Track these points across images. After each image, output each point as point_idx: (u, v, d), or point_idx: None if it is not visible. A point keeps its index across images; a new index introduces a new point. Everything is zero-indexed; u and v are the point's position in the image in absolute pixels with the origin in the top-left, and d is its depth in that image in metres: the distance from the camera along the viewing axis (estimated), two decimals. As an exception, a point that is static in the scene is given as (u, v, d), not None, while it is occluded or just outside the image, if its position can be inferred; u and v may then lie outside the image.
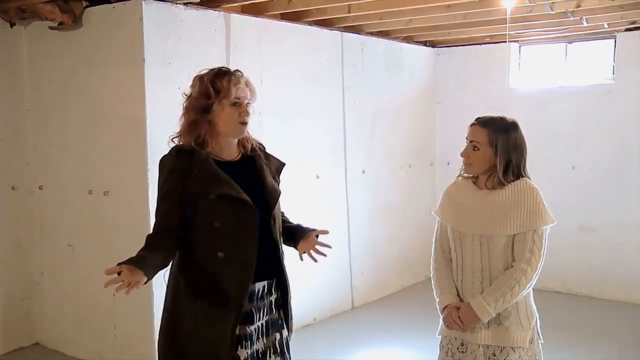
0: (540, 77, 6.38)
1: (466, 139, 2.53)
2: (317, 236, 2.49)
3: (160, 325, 2.41)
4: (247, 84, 2.35)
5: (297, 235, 2.51)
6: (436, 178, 6.67)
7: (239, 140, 2.42)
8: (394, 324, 5.24)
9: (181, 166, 2.27)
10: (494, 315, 2.42)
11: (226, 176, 2.29)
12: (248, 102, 2.35)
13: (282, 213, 2.57)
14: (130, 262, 2.09)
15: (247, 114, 2.34)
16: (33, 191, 4.64)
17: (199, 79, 2.34)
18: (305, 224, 2.59)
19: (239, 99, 2.31)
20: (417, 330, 4.91)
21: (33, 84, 4.58)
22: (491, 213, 2.45)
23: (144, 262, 2.12)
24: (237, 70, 2.36)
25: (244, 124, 2.34)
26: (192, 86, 2.35)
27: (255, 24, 4.66)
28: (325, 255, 2.48)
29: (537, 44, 6.29)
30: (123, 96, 4.07)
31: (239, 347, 2.32)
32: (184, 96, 2.37)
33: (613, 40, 5.81)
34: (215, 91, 2.28)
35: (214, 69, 2.36)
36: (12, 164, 4.57)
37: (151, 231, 2.33)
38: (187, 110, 2.33)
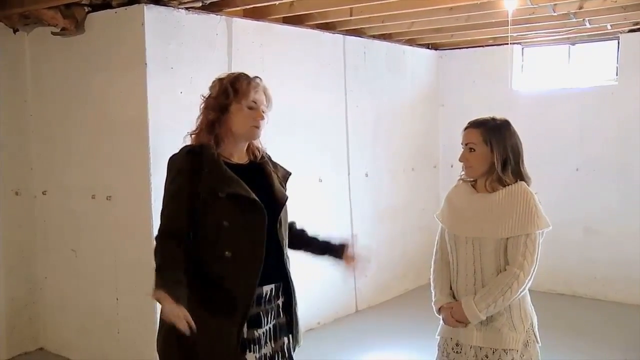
0: (543, 79, 6.37)
1: (461, 144, 2.56)
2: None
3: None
4: (264, 90, 2.41)
5: (336, 250, 2.64)
6: (439, 181, 6.65)
7: (249, 146, 2.45)
8: (398, 328, 5.23)
9: (191, 165, 2.28)
10: (484, 319, 2.44)
11: (236, 177, 2.30)
12: (263, 109, 2.40)
13: (299, 227, 2.62)
14: (170, 292, 2.08)
15: (262, 117, 2.39)
16: (36, 196, 4.65)
17: (219, 80, 2.39)
18: (321, 233, 2.68)
19: (255, 102, 2.36)
20: (421, 333, 4.86)
21: (36, 90, 4.59)
22: (483, 216, 2.47)
23: (181, 292, 2.13)
24: (257, 77, 2.41)
25: (258, 127, 2.39)
26: (212, 87, 2.39)
27: (257, 28, 4.67)
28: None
29: (540, 46, 6.28)
30: (125, 101, 4.08)
31: (247, 351, 2.31)
32: (202, 98, 2.40)
33: (616, 41, 5.80)
34: (234, 91, 2.33)
35: (234, 73, 2.42)
36: (16, 169, 4.58)
37: (157, 230, 2.29)
38: (207, 109, 2.37)
